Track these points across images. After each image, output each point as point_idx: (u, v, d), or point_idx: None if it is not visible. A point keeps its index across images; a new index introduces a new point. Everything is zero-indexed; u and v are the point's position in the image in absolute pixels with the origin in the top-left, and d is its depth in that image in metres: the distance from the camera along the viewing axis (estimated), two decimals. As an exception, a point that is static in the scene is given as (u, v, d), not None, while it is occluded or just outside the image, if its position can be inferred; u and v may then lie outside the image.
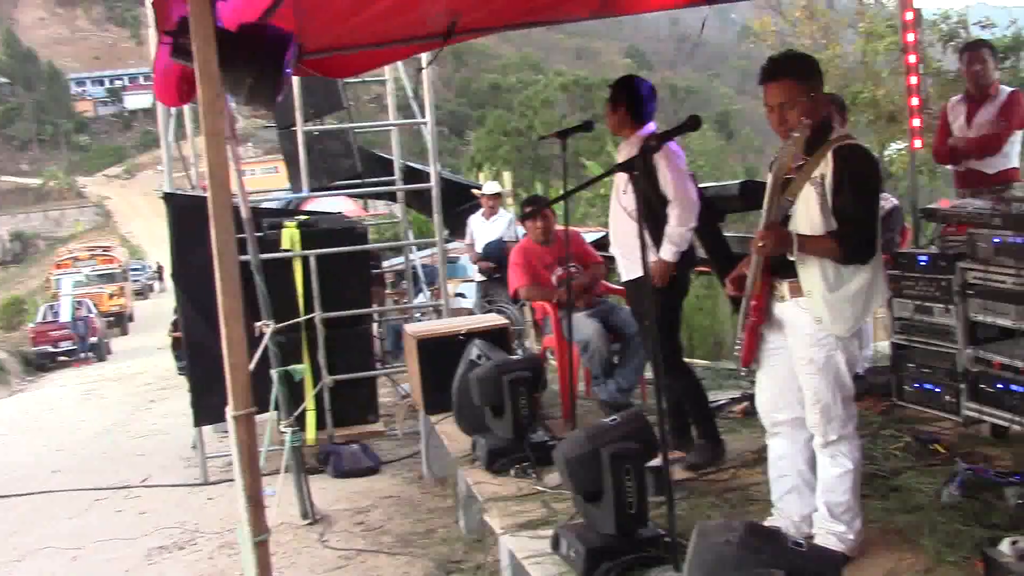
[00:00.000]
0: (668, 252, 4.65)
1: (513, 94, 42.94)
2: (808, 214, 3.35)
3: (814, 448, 3.56)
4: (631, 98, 4.79)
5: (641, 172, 3.43)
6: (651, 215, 4.65)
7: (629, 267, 4.83)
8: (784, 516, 3.75)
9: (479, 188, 10.70)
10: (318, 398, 6.97)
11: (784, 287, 3.47)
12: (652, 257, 4.55)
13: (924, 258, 5.23)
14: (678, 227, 4.64)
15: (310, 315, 6.91)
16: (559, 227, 6.34)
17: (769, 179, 3.43)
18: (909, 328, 5.37)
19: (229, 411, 3.05)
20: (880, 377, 5.82)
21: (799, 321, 3.44)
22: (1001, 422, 4.74)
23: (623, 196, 4.76)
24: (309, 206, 10.21)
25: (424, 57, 7.14)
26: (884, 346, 5.91)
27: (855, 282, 3.38)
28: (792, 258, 3.37)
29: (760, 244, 3.31)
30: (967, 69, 6.22)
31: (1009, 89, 6.15)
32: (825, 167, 3.34)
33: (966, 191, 5.96)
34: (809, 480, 3.66)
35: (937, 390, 5.20)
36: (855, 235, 3.33)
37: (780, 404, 3.66)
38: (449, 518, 5.52)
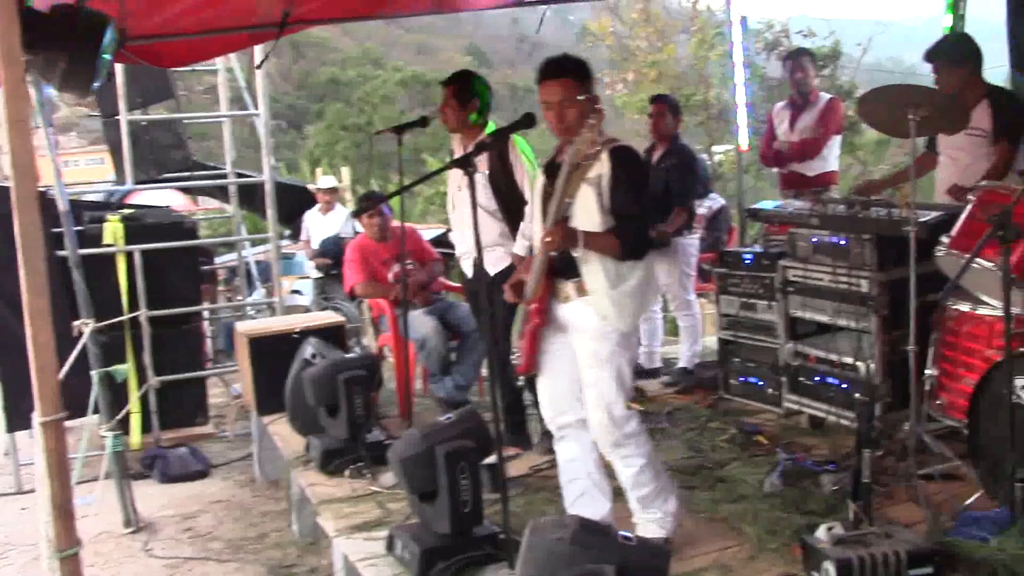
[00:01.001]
0: (522, 249, 4.60)
1: (353, 88, 42.34)
2: (587, 213, 3.41)
3: (604, 453, 3.60)
4: (473, 94, 4.78)
5: (476, 169, 3.41)
6: (508, 212, 4.66)
7: (495, 261, 4.77)
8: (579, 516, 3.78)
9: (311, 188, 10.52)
10: (143, 400, 6.68)
11: (569, 287, 3.51)
12: (510, 250, 4.50)
13: (749, 256, 5.43)
14: (531, 224, 4.61)
15: (135, 313, 6.60)
16: (396, 223, 6.27)
17: (558, 182, 3.43)
18: (735, 324, 5.57)
19: (36, 417, 2.85)
20: (708, 371, 6.03)
21: (585, 319, 3.49)
22: (818, 413, 4.97)
23: (482, 193, 4.68)
24: (135, 199, 9.75)
25: (258, 50, 6.92)
26: (712, 341, 6.11)
27: (634, 278, 3.47)
28: (577, 254, 3.41)
29: (548, 240, 3.33)
30: (790, 76, 6.51)
31: (828, 96, 6.47)
32: (601, 167, 3.40)
33: (789, 192, 6.23)
34: (599, 482, 3.69)
35: (760, 383, 5.41)
36: (634, 231, 3.43)
37: (564, 407, 3.68)
38: (282, 522, 5.39)
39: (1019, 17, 5.51)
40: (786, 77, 6.64)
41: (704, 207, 8.08)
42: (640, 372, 6.39)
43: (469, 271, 5.00)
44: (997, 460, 3.67)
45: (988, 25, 6.13)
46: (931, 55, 4.90)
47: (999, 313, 3.60)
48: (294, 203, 10.26)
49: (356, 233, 8.04)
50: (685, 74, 19.65)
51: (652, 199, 6.16)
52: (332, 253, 8.97)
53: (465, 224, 4.76)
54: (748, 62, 7.56)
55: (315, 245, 9.55)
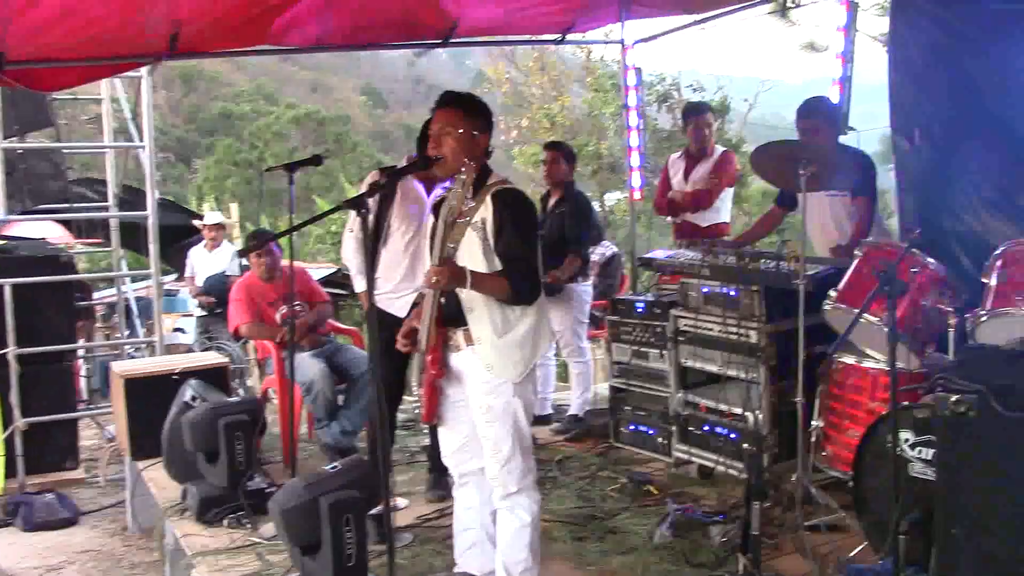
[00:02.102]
0: None
1: (245, 123, 41.63)
2: (471, 258, 3.34)
3: (494, 501, 3.51)
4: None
5: (369, 211, 3.32)
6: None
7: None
8: (465, 573, 3.68)
9: (200, 218, 10.23)
10: (8, 442, 6.31)
11: (459, 336, 3.42)
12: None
13: (641, 305, 5.45)
14: None
15: (2, 351, 6.26)
16: (285, 263, 6.10)
17: (439, 222, 3.35)
18: (627, 372, 5.58)
19: None
20: (599, 419, 6.01)
21: (474, 370, 3.41)
22: (707, 463, 4.98)
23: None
24: (9, 231, 9.31)
25: (144, 80, 6.72)
26: (603, 388, 6.10)
27: (522, 326, 3.40)
28: (464, 295, 3.34)
29: (434, 280, 3.22)
30: (693, 130, 6.57)
31: (722, 149, 6.57)
32: (485, 211, 3.34)
33: (682, 242, 6.30)
34: (493, 535, 3.59)
35: (651, 432, 5.42)
36: (523, 275, 3.36)
37: (466, 456, 3.58)
38: (155, 574, 5.14)
39: (900, 80, 5.71)
40: (687, 130, 6.69)
41: (597, 254, 8.14)
42: (531, 419, 6.33)
43: (401, 312, 4.86)
44: (881, 512, 3.72)
45: (870, 87, 6.34)
46: (810, 113, 5.03)
47: (883, 367, 3.67)
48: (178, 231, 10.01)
49: (243, 271, 7.82)
50: (579, 123, 19.93)
51: (547, 245, 6.17)
52: (217, 291, 8.71)
53: (417, 260, 4.70)
54: (641, 111, 7.65)
55: (199, 282, 9.25)
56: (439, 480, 4.95)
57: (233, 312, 6.15)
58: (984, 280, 3.78)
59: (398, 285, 4.92)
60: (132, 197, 8.97)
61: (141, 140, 7.65)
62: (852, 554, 3.81)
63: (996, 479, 2.45)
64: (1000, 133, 5.18)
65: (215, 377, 5.61)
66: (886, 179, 6.27)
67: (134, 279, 10.03)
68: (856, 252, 4.19)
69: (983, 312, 3.68)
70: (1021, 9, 5.00)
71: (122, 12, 4.66)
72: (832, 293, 4.11)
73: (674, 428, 5.17)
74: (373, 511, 3.88)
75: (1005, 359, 2.87)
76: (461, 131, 3.39)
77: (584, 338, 6.36)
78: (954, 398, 2.46)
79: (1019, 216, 5.09)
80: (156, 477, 5.28)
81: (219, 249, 9.42)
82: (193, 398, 5.04)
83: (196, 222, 10.31)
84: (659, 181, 6.88)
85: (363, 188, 4.22)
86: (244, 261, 8.21)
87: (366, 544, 3.54)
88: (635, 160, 7.52)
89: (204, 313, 9.20)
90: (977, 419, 2.42)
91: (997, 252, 3.79)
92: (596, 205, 17.47)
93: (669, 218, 6.84)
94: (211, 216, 10.01)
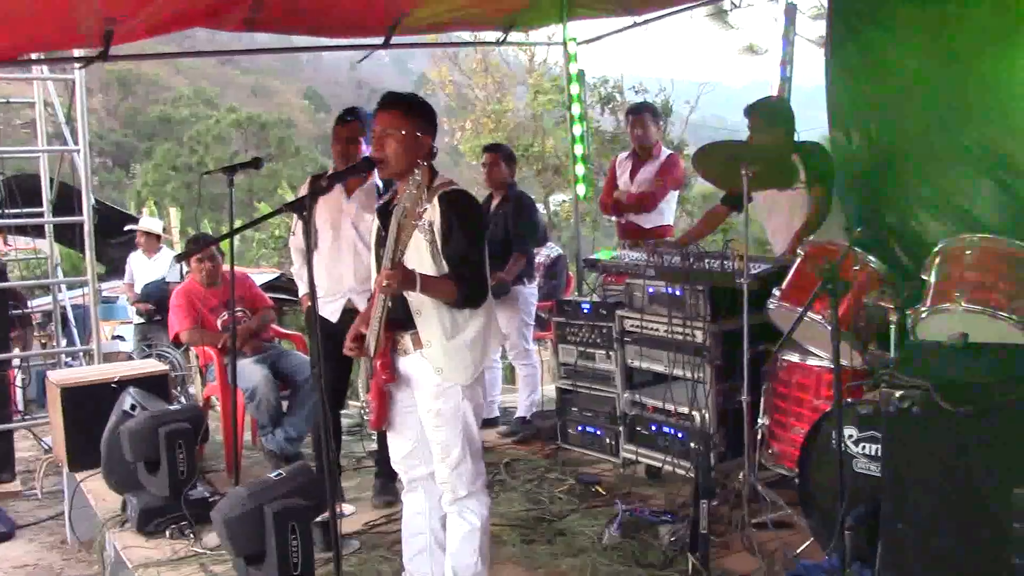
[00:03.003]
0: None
1: (184, 127, 41.07)
2: (419, 261, 3.31)
3: (443, 506, 3.48)
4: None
5: (311, 214, 3.25)
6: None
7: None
8: None
9: (136, 221, 10.06)
10: (-60, 455, 6.14)
11: (407, 339, 3.39)
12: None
13: (587, 306, 5.45)
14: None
15: (-68, 361, 6.09)
16: (225, 268, 6.01)
17: (392, 227, 3.25)
18: (573, 373, 5.57)
19: None
20: (546, 421, 6.00)
21: (423, 373, 3.38)
22: (655, 463, 5.00)
23: (366, 235, 4.48)
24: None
25: (78, 79, 6.58)
26: (551, 390, 6.10)
27: (471, 329, 3.39)
28: (412, 299, 3.32)
29: (385, 284, 3.17)
30: (631, 131, 6.60)
31: (668, 151, 6.57)
32: (432, 213, 3.31)
33: (626, 242, 6.31)
34: (442, 540, 3.56)
35: (599, 433, 5.42)
36: (471, 277, 3.34)
37: (415, 461, 3.55)
38: (95, 587, 5.02)
39: (838, 82, 5.79)
40: (625, 130, 6.73)
41: (542, 256, 8.15)
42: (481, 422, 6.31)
43: (333, 316, 4.80)
44: (826, 509, 3.75)
45: (810, 90, 6.42)
46: (751, 110, 5.08)
47: (827, 364, 3.70)
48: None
49: (184, 277, 7.69)
50: (523, 125, 19.97)
51: (490, 246, 6.13)
52: (156, 298, 8.57)
53: (340, 265, 4.63)
54: (584, 114, 7.66)
55: (138, 289, 9.09)
56: (386, 485, 4.91)
57: (173, 318, 6.04)
58: (924, 277, 3.84)
59: (327, 291, 4.85)
60: (67, 192, 8.78)
61: (76, 144, 7.50)
62: (799, 550, 3.86)
63: (940, 473, 2.48)
64: (936, 135, 5.28)
65: (155, 385, 5.52)
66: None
67: (70, 286, 9.82)
68: (799, 251, 4.23)
69: (923, 309, 3.74)
70: (955, 12, 5.11)
71: (55, 12, 4.55)
72: (776, 292, 4.14)
73: (621, 429, 5.19)
74: (319, 518, 3.83)
75: (946, 355, 2.91)
76: (404, 132, 3.35)
77: (530, 340, 6.35)
78: (898, 394, 2.48)
79: (956, 215, 5.20)
80: (95, 488, 5.18)
81: (158, 255, 9.25)
82: (133, 407, 4.95)
83: (130, 226, 10.12)
84: (605, 181, 6.90)
85: (303, 191, 4.15)
86: (185, 267, 8.08)
87: (312, 552, 3.50)
88: (579, 169, 7.51)
89: (143, 320, 9.04)
90: (921, 414, 2.45)
91: (935, 249, 3.85)
92: (541, 207, 17.52)
93: (614, 218, 6.86)
94: (148, 222, 9.83)
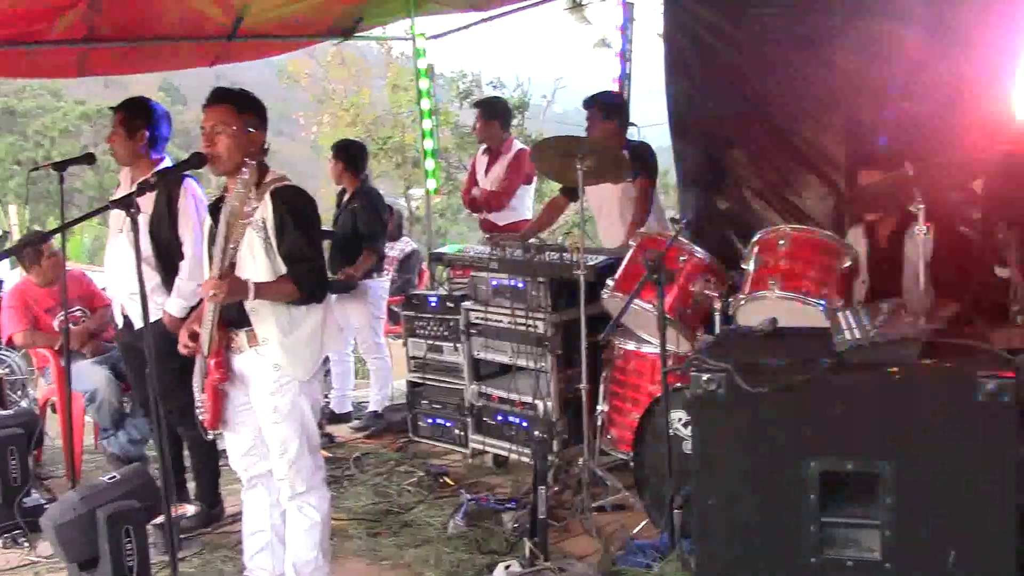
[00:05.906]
0: (174, 306, 4.36)
1: (29, 120, 39.16)
2: (254, 260, 3.30)
3: (282, 502, 3.49)
4: (148, 122, 4.49)
5: (139, 210, 3.19)
6: (162, 263, 4.40)
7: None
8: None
9: None
10: None
11: (242, 337, 3.38)
12: (162, 304, 4.28)
13: (434, 299, 5.51)
14: (188, 281, 4.36)
15: None
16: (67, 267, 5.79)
17: (221, 225, 3.28)
18: (423, 366, 5.63)
19: None
20: (397, 414, 6.03)
21: (260, 370, 3.37)
22: (501, 452, 5.10)
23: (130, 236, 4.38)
24: None
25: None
26: (401, 384, 6.13)
27: (308, 324, 3.39)
28: (249, 305, 3.30)
29: (212, 293, 3.16)
30: (475, 126, 6.64)
31: (519, 147, 6.58)
32: (264, 210, 3.31)
33: (487, 237, 6.36)
34: (283, 536, 3.56)
35: (448, 424, 5.49)
36: (309, 275, 3.34)
37: (254, 459, 3.54)
38: (-80, 603, 4.79)
39: (675, 77, 5.99)
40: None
41: (396, 250, 8.16)
42: (331, 417, 6.29)
43: (118, 319, 4.66)
44: (658, 490, 3.92)
45: (649, 88, 6.60)
46: (588, 103, 5.25)
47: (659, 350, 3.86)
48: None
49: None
50: (381, 118, 19.83)
51: (340, 241, 6.12)
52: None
53: (117, 269, 4.49)
54: (437, 109, 7.68)
55: (-31, 290, 8.66)
56: None
57: (7, 320, 5.80)
58: (744, 266, 4.04)
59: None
60: None
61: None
62: (635, 531, 4.01)
63: (742, 450, 2.64)
64: (766, 129, 5.54)
65: (-11, 390, 5.29)
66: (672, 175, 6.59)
67: None
68: (631, 242, 4.39)
69: (742, 296, 3.94)
70: (782, 11, 5.37)
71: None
72: (609, 282, 4.29)
73: (469, 420, 5.26)
74: (157, 520, 3.77)
75: (755, 339, 3.08)
76: (235, 128, 3.32)
77: (381, 334, 6.36)
78: (705, 377, 2.63)
79: (784, 207, 5.49)
80: (-78, 500, 4.91)
81: (-7, 256, 8.84)
82: (-38, 413, 4.75)
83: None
84: (467, 176, 6.92)
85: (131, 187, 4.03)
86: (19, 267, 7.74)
87: (148, 555, 3.44)
88: (430, 164, 7.54)
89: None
90: (724, 396, 2.60)
91: (753, 240, 4.06)
92: (401, 201, 17.49)
93: (475, 214, 6.88)
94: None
